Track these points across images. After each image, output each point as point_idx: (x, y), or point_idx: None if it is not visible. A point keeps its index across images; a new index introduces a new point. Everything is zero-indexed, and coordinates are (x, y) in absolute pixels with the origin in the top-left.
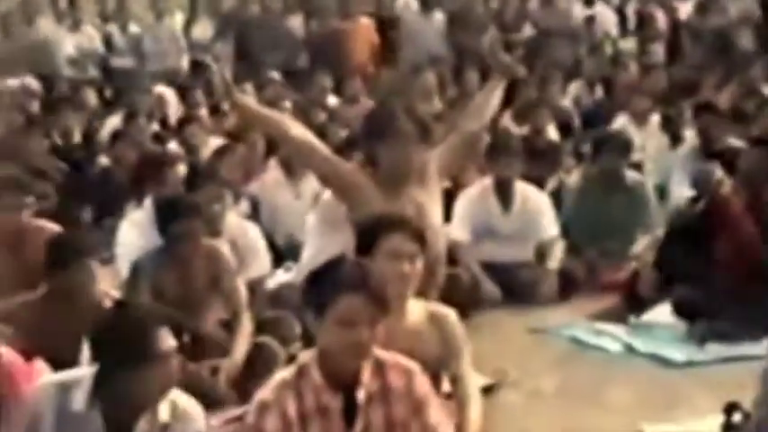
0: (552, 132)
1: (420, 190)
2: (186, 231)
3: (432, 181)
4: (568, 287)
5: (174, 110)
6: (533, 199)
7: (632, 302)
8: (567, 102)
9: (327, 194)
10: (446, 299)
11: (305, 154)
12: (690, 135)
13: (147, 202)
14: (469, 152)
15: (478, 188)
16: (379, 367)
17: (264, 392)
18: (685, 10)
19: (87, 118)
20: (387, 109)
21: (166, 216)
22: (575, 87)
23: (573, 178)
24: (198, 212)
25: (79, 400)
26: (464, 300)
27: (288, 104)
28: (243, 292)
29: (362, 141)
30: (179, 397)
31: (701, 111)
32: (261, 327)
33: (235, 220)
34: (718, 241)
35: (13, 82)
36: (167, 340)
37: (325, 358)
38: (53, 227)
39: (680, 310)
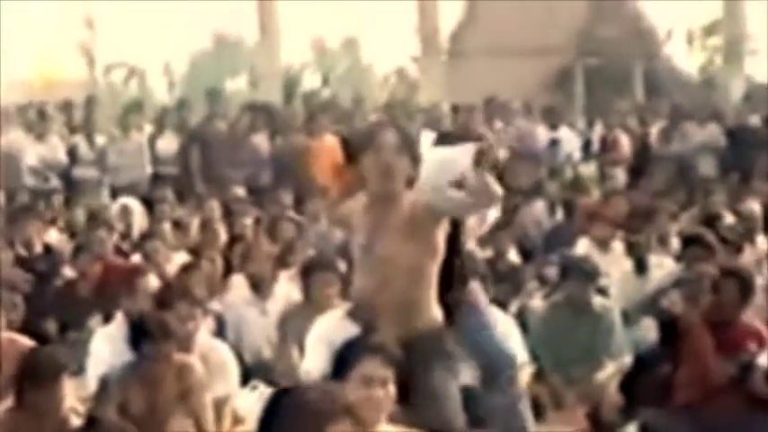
0: (513, 255)
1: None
2: (158, 353)
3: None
4: (534, 412)
5: (139, 222)
6: (501, 323)
7: (597, 428)
8: (528, 223)
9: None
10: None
11: None
12: (655, 261)
13: (119, 316)
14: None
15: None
16: None
17: None
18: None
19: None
20: (373, 124)
21: (139, 334)
22: (536, 209)
23: (536, 302)
24: (170, 334)
25: None
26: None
27: (249, 221)
28: (210, 410)
29: (351, 161)
30: None
31: (689, 243)
32: None
33: (205, 336)
34: (680, 367)
35: None
36: None
37: None
38: (25, 341)
39: None
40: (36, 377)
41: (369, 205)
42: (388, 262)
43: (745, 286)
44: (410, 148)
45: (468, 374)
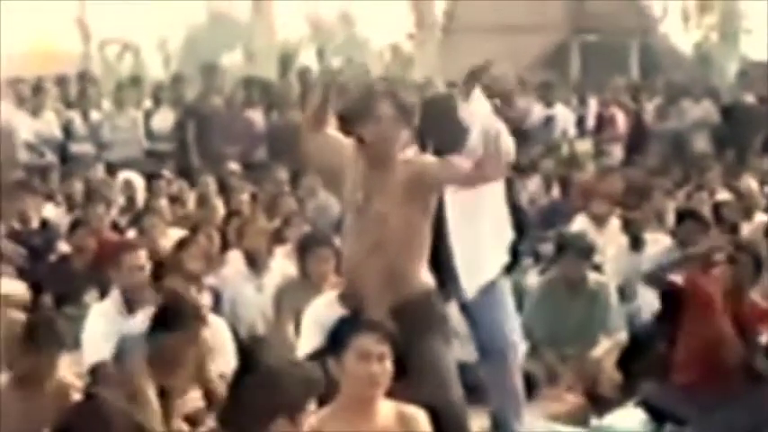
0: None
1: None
2: (191, 336)
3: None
4: (529, 389)
5: (142, 196)
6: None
7: (595, 404)
8: (523, 199)
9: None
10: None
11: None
12: (651, 238)
13: (114, 292)
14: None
15: None
16: None
17: None
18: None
19: None
20: (368, 92)
21: (169, 314)
22: (531, 185)
23: (530, 279)
24: (202, 318)
25: None
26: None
27: (246, 196)
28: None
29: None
30: None
31: (683, 217)
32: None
33: None
34: (683, 337)
35: None
36: None
37: None
38: (19, 314)
39: (647, 409)
40: (35, 344)
41: (365, 167)
42: (383, 222)
43: (758, 261)
44: (408, 117)
45: (464, 350)
